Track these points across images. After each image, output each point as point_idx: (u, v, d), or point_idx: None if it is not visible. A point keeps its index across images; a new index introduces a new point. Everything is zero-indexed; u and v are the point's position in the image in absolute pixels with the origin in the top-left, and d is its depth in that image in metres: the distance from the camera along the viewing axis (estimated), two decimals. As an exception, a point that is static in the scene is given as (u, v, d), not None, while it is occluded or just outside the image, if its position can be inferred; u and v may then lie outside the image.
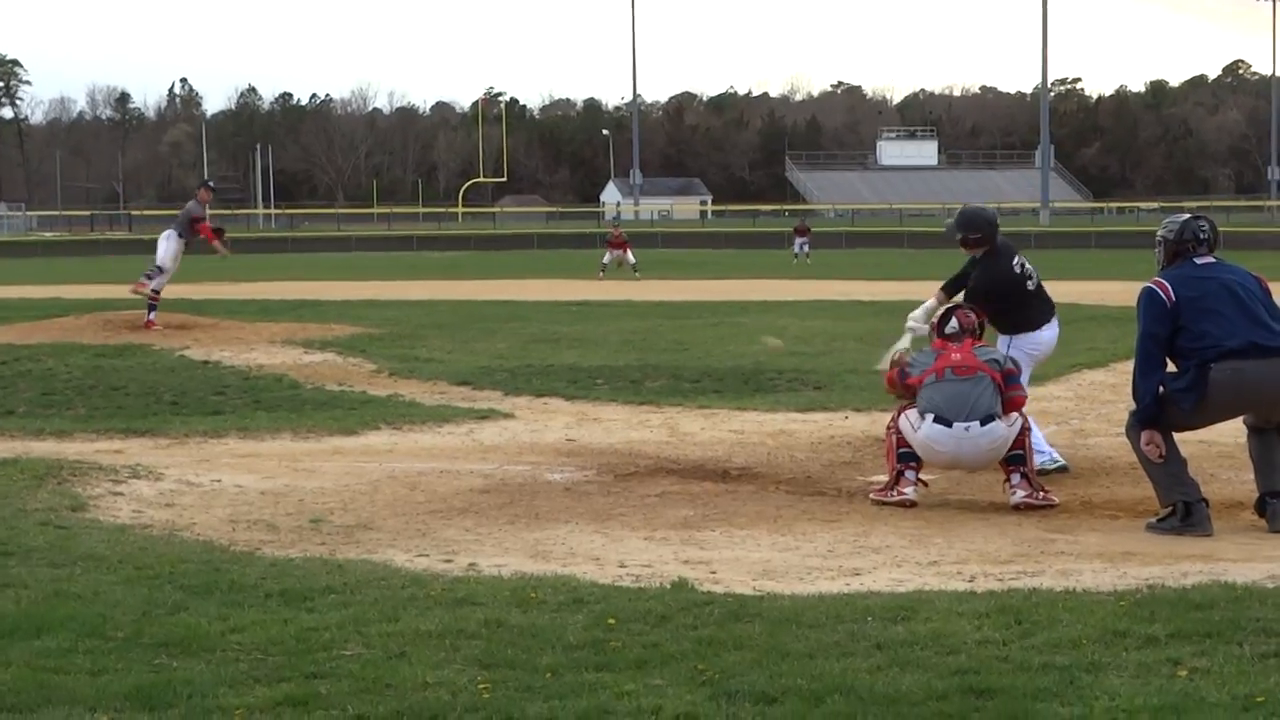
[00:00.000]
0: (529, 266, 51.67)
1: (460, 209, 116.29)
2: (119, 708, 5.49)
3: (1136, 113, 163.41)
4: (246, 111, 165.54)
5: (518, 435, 12.75)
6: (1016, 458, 9.61)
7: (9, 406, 14.27)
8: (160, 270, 22.81)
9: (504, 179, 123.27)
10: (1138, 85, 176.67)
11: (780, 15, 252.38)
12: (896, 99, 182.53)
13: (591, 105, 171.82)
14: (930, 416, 9.63)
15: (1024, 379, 10.27)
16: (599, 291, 34.90)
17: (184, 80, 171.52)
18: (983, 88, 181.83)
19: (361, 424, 13.08)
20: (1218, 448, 10.87)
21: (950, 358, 9.81)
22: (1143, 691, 5.50)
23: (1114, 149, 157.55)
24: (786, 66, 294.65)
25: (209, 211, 23.96)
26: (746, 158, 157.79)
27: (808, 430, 12.89)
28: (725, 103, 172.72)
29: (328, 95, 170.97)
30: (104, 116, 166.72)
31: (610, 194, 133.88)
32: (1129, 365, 9.46)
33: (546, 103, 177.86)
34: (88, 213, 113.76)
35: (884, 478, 9.99)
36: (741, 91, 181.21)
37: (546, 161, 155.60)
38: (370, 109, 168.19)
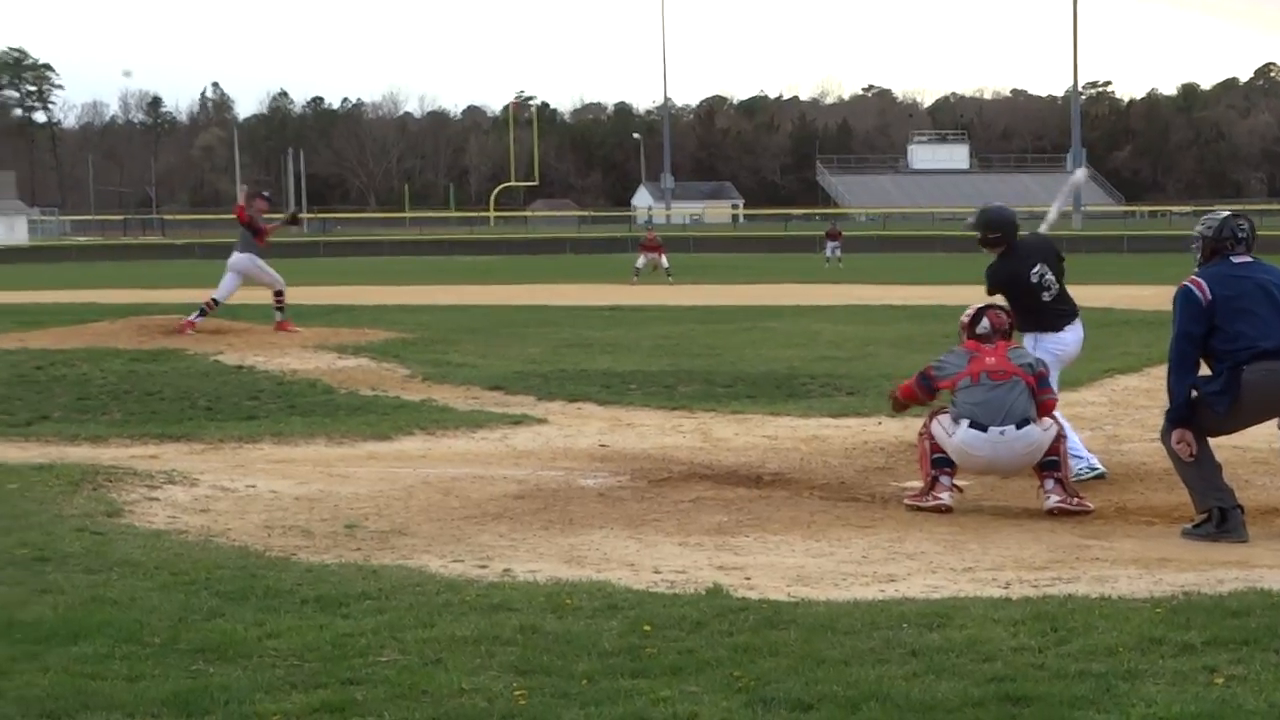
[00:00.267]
0: (561, 271, 51.72)
1: (492, 213, 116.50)
2: (156, 713, 5.52)
3: (1168, 116, 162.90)
4: (278, 116, 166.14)
5: (551, 440, 12.75)
6: (1051, 463, 9.59)
7: (44, 411, 14.32)
8: (215, 304, 22.81)
9: (536, 183, 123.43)
10: (1169, 88, 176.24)
11: (811, 19, 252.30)
12: (927, 102, 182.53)
13: (622, 109, 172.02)
14: (966, 421, 9.61)
15: (1053, 381, 10.25)
16: (631, 296, 34.91)
17: (216, 84, 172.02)
18: (1014, 91, 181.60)
19: (395, 429, 13.09)
20: (1252, 453, 10.82)
21: (985, 361, 9.78)
22: (1179, 699, 5.48)
23: (1146, 152, 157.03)
24: (817, 70, 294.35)
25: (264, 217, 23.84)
26: (777, 161, 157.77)
27: (841, 436, 12.88)
28: (756, 106, 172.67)
29: (359, 99, 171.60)
30: (136, 121, 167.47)
31: (641, 198, 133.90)
32: (1163, 370, 9.42)
33: (577, 106, 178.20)
34: (121, 217, 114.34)
35: (918, 483, 9.96)
36: (772, 95, 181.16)
37: (578, 165, 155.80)
38: (401, 113, 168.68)
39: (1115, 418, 13.85)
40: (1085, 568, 7.96)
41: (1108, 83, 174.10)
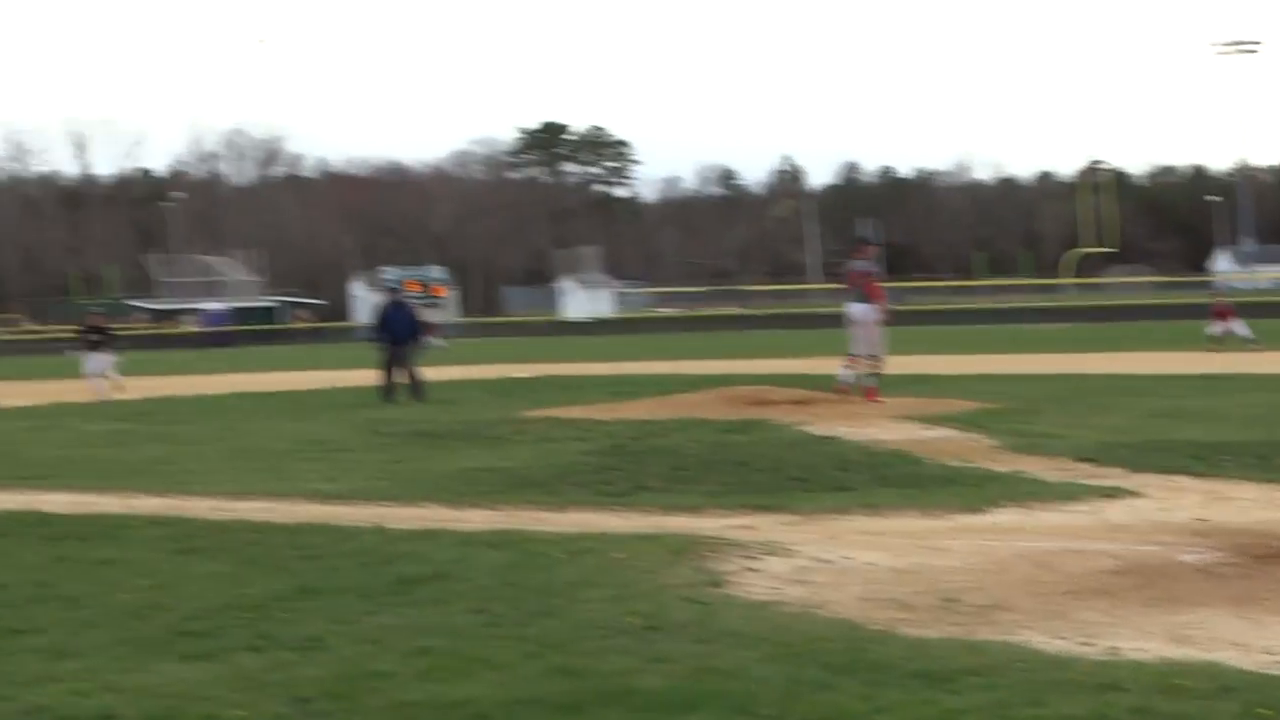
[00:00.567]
0: (1139, 338, 50.37)
1: (1067, 280, 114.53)
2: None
3: None
4: (850, 187, 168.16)
5: (1146, 514, 12.38)
6: None
7: (641, 481, 14.81)
8: (858, 358, 23.30)
9: (1115, 249, 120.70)
10: None
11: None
12: None
13: (1198, 171, 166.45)
14: None
15: None
16: (1213, 364, 33.63)
17: (787, 157, 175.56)
18: None
19: (986, 501, 12.97)
20: None
21: None
22: None
23: None
24: None
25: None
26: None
27: None
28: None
29: (929, 168, 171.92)
30: (712, 194, 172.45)
31: (1220, 263, 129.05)
32: None
33: (1151, 170, 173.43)
34: (701, 289, 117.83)
35: None
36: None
37: (1152, 230, 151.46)
38: (972, 180, 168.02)
39: None
40: None
41: None
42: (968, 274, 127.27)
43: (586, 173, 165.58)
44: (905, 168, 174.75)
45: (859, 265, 24.13)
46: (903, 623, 8.43)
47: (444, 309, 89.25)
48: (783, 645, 7.67)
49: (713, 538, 11.17)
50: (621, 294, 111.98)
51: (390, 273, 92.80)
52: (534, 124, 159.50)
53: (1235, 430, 18.26)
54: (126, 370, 36.83)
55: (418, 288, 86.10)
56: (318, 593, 9.38)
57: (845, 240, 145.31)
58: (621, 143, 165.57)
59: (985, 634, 8.06)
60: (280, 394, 31.99)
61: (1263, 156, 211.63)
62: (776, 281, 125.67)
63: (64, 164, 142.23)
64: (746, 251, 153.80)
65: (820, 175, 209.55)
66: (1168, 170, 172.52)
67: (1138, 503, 12.94)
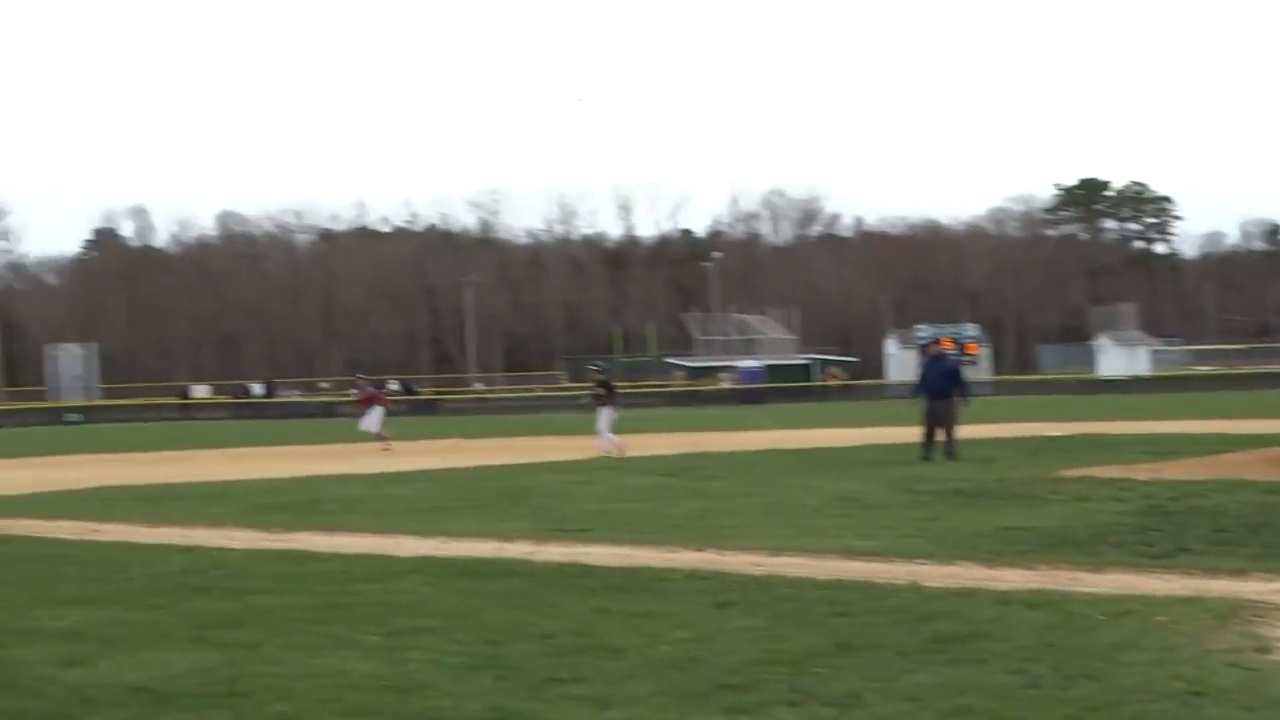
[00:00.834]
0: None
1: None
2: None
3: None
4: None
5: None
6: None
7: (1182, 543, 14.30)
8: None
9: None
10: None
11: None
12: None
13: None
14: None
15: None
16: None
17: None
18: None
19: None
20: None
21: None
22: None
23: None
24: None
25: None
26: None
27: None
28: None
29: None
30: (1255, 248, 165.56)
31: None
32: None
33: None
34: (1242, 346, 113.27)
35: None
36: None
37: None
38: None
39: None
40: None
41: None
42: None
43: (1125, 229, 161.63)
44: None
45: None
46: None
47: (975, 366, 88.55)
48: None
49: (1259, 602, 10.71)
50: (1158, 351, 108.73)
51: (924, 330, 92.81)
52: (1072, 180, 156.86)
53: None
54: (648, 426, 37.81)
55: (950, 345, 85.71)
56: (854, 649, 9.40)
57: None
58: (1164, 198, 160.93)
59: None
60: (813, 451, 32.27)
61: None
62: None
63: (609, 225, 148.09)
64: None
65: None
66: None
67: None
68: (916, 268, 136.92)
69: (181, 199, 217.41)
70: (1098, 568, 12.96)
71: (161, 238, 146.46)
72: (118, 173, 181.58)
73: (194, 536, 17.77)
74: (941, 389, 28.55)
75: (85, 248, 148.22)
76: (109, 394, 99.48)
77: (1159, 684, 8.15)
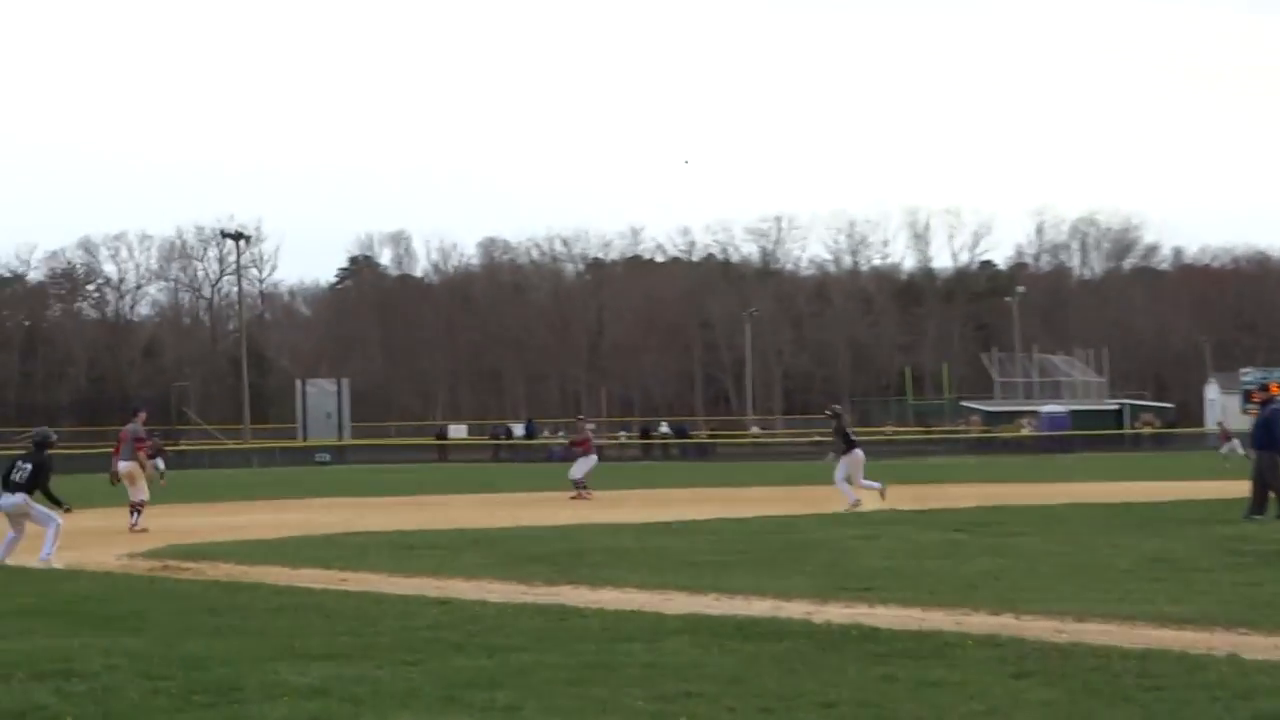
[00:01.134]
0: None
1: None
2: None
3: None
4: None
5: None
6: None
7: None
8: None
9: None
10: None
11: None
12: None
13: None
14: None
15: None
16: None
17: None
18: None
19: None
20: None
21: None
22: None
23: None
24: None
25: None
26: None
27: None
28: None
29: None
30: None
31: None
32: None
33: None
34: None
35: None
36: None
37: None
38: None
39: None
40: None
41: None
42: None
43: None
44: None
45: None
46: None
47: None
48: None
49: None
50: None
51: (1249, 374, 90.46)
52: None
53: None
54: (942, 475, 37.36)
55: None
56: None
57: None
58: None
59: None
60: (1124, 505, 31.75)
61: None
62: None
63: (902, 256, 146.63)
64: None
65: None
66: None
67: None
68: (1242, 304, 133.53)
69: (443, 225, 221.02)
70: None
71: (421, 266, 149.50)
72: (377, 197, 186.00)
73: (448, 588, 18.16)
74: (1265, 440, 27.84)
75: (340, 276, 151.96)
76: (361, 432, 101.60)
77: None
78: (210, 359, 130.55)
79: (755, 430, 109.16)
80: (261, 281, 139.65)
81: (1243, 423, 63.03)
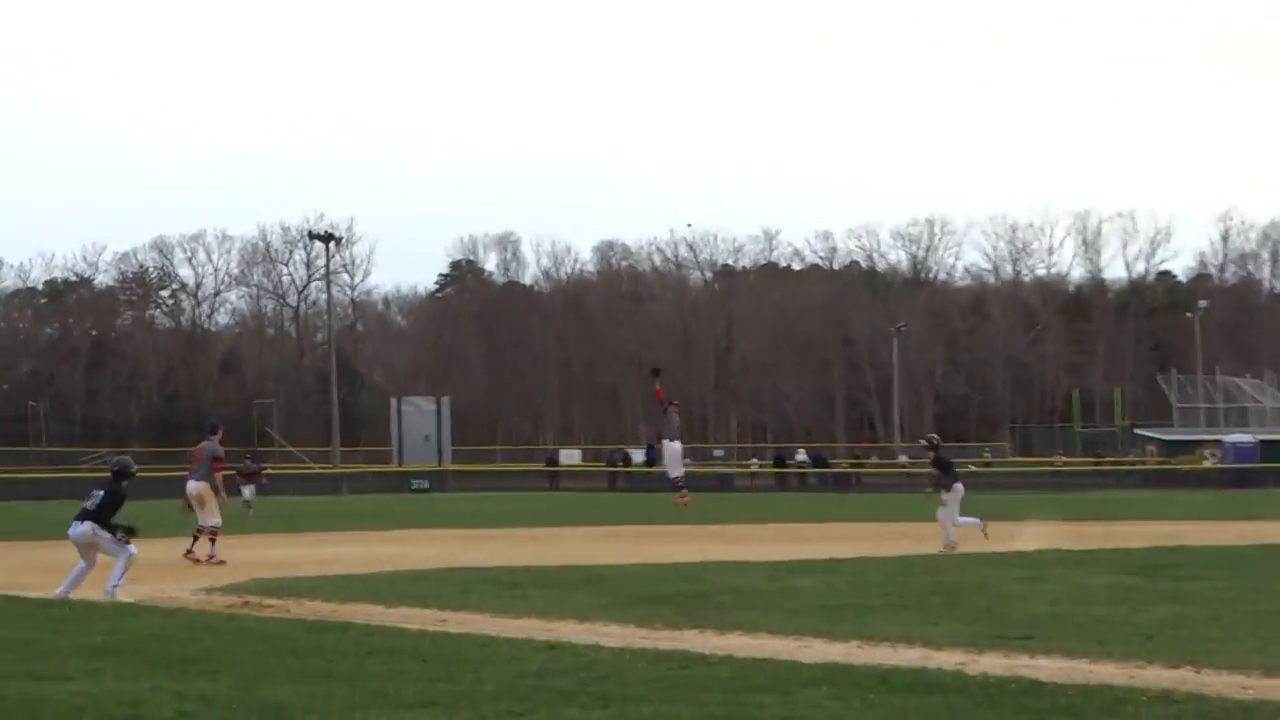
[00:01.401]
0: None
1: None
2: None
3: None
4: None
5: None
6: None
7: None
8: None
9: None
10: None
11: None
12: None
13: None
14: None
15: None
16: None
17: None
18: None
19: None
20: None
21: None
22: None
23: None
24: None
25: None
26: None
27: None
28: None
29: None
30: None
31: None
32: None
33: None
34: None
35: None
36: None
37: None
38: None
39: None
40: None
41: None
42: None
43: None
44: None
45: None
46: None
47: None
48: None
49: None
50: None
51: None
52: None
53: None
54: (1113, 511, 37.14)
55: None
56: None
57: None
58: None
59: None
60: (1320, 548, 31.43)
61: None
62: None
63: (1069, 266, 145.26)
64: None
65: None
66: None
67: None
68: None
69: (554, 226, 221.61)
70: None
71: (530, 272, 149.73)
72: (481, 196, 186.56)
73: (559, 631, 18.22)
74: None
75: (440, 283, 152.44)
76: (463, 456, 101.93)
77: None
78: (296, 374, 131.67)
79: (904, 459, 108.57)
80: (353, 288, 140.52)
81: None
